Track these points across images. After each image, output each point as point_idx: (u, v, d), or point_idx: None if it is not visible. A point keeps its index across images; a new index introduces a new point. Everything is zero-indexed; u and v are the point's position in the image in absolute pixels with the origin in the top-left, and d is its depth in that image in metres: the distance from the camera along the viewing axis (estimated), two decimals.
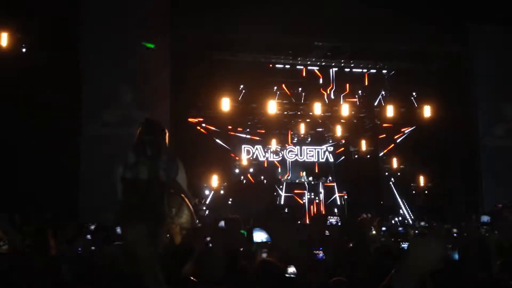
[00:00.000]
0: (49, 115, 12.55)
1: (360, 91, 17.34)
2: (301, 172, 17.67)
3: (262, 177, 17.43)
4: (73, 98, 13.10)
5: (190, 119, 16.02)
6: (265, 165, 17.63)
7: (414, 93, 16.87)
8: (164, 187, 4.35)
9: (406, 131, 17.59)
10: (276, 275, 3.11)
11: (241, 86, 16.00)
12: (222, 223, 6.86)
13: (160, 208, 4.29)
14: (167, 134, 4.56)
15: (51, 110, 12.56)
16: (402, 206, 16.64)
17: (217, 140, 16.68)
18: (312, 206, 17.01)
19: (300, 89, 16.98)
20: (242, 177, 17.35)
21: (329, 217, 12.60)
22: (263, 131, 17.38)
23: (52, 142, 12.73)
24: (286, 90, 16.77)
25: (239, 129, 17.11)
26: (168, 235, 4.46)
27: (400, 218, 15.85)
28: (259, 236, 5.23)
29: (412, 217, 16.04)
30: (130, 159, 4.35)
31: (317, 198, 17.18)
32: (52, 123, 12.73)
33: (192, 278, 3.25)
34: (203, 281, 3.19)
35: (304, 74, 16.89)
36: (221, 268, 3.39)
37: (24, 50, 12.78)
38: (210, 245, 4.23)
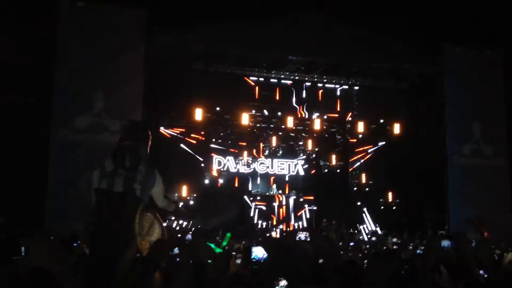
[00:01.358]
0: (19, 118, 12.37)
1: (332, 107, 17.53)
2: (271, 184, 17.71)
3: (233, 188, 17.39)
4: (44, 103, 12.92)
5: (162, 129, 15.92)
6: (236, 177, 17.61)
7: (385, 110, 17.11)
8: (139, 202, 4.23)
9: (376, 147, 17.80)
10: None
11: (215, 98, 16.00)
12: (188, 236, 6.83)
13: (131, 227, 4.18)
14: (150, 139, 4.43)
15: (21, 114, 12.39)
16: (367, 221, 16.77)
17: (189, 150, 16.59)
18: (280, 219, 17.05)
19: (273, 102, 17.07)
20: (212, 188, 17.27)
21: (298, 232, 12.63)
22: (235, 143, 17.37)
23: (21, 147, 12.53)
24: (259, 102, 16.84)
25: (211, 139, 17.07)
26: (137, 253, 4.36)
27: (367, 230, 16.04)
28: (259, 252, 5.14)
29: (380, 232, 16.17)
30: (107, 168, 4.21)
31: (286, 210, 17.22)
32: (22, 127, 12.55)
33: None
34: None
35: (277, 88, 16.99)
36: (189, 281, 3.38)
37: None
38: (177, 259, 4.19)
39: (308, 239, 10.64)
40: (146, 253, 4.38)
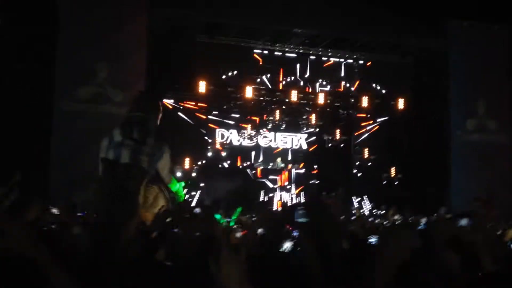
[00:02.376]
0: (22, 88, 12.35)
1: (336, 81, 17.44)
2: (276, 158, 17.70)
3: (235, 161, 17.41)
4: (47, 73, 12.89)
5: (165, 101, 15.87)
6: (239, 150, 17.61)
7: (389, 85, 17.04)
8: (144, 174, 4.22)
9: (379, 122, 17.76)
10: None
11: (219, 70, 15.93)
12: (197, 210, 6.82)
13: (135, 198, 4.18)
14: (160, 111, 4.39)
15: (24, 83, 12.37)
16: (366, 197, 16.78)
17: (192, 123, 16.57)
18: (282, 193, 17.13)
19: (277, 75, 17.00)
20: (215, 161, 17.30)
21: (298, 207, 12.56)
22: (238, 116, 17.34)
23: (23, 116, 12.53)
24: (264, 75, 16.77)
25: (214, 112, 17.03)
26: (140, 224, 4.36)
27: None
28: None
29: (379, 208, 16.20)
30: (115, 138, 4.19)
31: (289, 184, 17.29)
32: (24, 97, 12.53)
33: (167, 263, 3.22)
34: (180, 265, 3.16)
35: (282, 61, 16.91)
36: (197, 252, 3.37)
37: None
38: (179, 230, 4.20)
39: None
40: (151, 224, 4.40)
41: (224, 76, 16.50)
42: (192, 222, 3.48)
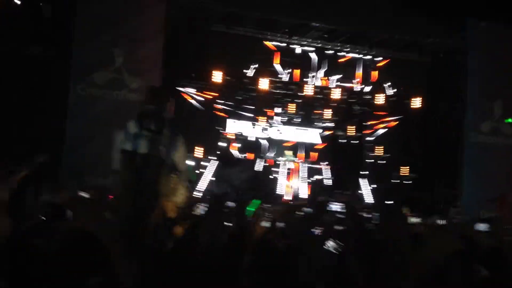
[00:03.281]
0: (39, 71, 12.40)
1: (351, 76, 17.34)
2: (286, 151, 17.66)
3: (248, 153, 17.40)
4: (64, 57, 12.92)
5: (180, 89, 15.87)
6: (251, 141, 17.58)
7: (405, 83, 16.92)
8: (163, 164, 4.25)
9: (394, 120, 17.66)
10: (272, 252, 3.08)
11: (234, 61, 15.88)
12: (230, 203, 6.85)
13: (155, 187, 4.20)
14: (173, 104, 4.46)
15: (41, 66, 12.41)
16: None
17: (206, 112, 16.55)
18: (292, 186, 17.09)
19: (292, 68, 16.92)
20: (227, 152, 17.28)
21: (329, 202, 12.35)
22: (252, 107, 17.30)
23: (39, 99, 12.59)
24: (279, 68, 16.69)
25: (228, 103, 16.99)
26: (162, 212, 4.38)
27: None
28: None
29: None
30: (131, 130, 4.23)
31: (301, 178, 17.24)
32: (40, 80, 12.59)
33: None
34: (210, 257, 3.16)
35: (298, 54, 16.82)
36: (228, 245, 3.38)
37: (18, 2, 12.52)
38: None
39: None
40: (173, 215, 4.42)
41: (239, 67, 16.41)
42: (226, 215, 3.49)
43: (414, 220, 10.67)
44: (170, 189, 4.36)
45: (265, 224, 4.27)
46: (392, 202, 15.12)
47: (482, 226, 6.70)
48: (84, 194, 5.90)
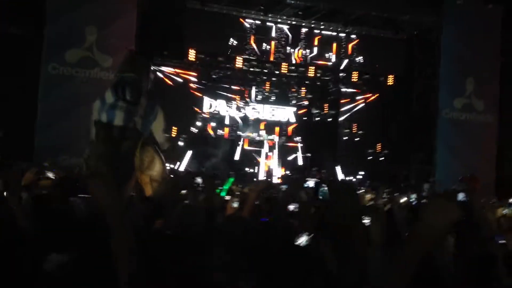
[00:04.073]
0: (9, 49, 12.14)
1: (327, 54, 17.31)
2: (260, 130, 17.64)
3: (223, 132, 17.35)
4: (37, 36, 12.65)
5: (154, 67, 15.65)
6: (226, 120, 17.51)
7: (381, 61, 16.97)
8: (139, 136, 4.15)
9: (369, 98, 17.75)
10: (242, 229, 3.05)
11: (209, 38, 15.68)
12: (199, 180, 6.79)
13: (131, 160, 4.11)
14: (150, 72, 4.33)
15: (12, 45, 12.15)
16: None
17: (180, 91, 16.38)
18: (268, 165, 17.13)
19: (268, 46, 16.81)
20: (202, 130, 17.20)
21: (307, 179, 12.43)
22: (227, 86, 17.20)
23: (10, 78, 12.35)
24: (254, 46, 16.57)
25: (203, 81, 16.85)
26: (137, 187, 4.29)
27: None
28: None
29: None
30: (108, 99, 4.10)
31: (274, 156, 17.27)
32: (12, 59, 12.33)
33: (166, 232, 3.18)
34: (178, 235, 3.12)
35: (273, 32, 16.72)
36: (199, 224, 3.33)
37: None
38: (186, 201, 4.13)
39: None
40: (149, 190, 4.33)
41: (213, 45, 16.22)
42: (196, 193, 3.44)
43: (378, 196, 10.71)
44: (147, 163, 4.28)
45: (236, 201, 4.24)
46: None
47: (460, 196, 6.83)
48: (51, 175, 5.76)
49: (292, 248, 2.85)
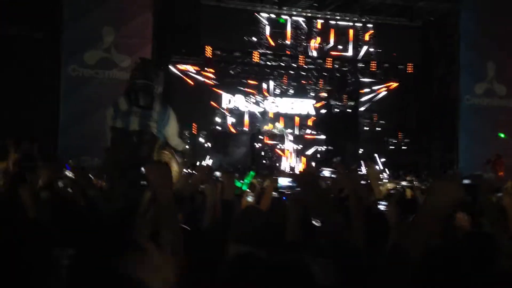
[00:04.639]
0: (29, 53, 12.35)
1: (343, 45, 17.22)
2: (278, 123, 17.62)
3: (242, 127, 17.38)
4: (53, 38, 12.85)
5: (171, 66, 15.78)
6: (246, 115, 17.54)
7: (398, 49, 16.81)
8: (155, 140, 4.21)
9: (388, 87, 17.61)
10: (259, 221, 3.08)
11: (225, 34, 15.72)
12: (217, 173, 6.84)
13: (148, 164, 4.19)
14: (162, 78, 4.41)
15: (32, 48, 12.36)
16: (378, 161, 16.80)
17: (198, 88, 16.47)
18: (289, 158, 17.13)
19: (284, 40, 16.79)
20: (221, 126, 17.26)
21: (321, 168, 12.41)
22: (245, 81, 17.23)
23: (31, 81, 12.58)
24: (270, 40, 16.57)
25: (221, 77, 16.89)
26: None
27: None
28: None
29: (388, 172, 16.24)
30: (121, 106, 4.17)
31: (295, 149, 17.26)
32: (32, 61, 12.55)
33: (184, 226, 3.24)
34: (196, 230, 3.17)
35: (289, 25, 16.70)
36: (215, 218, 3.37)
37: None
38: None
39: (333, 176, 10.27)
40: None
41: (230, 41, 16.26)
42: (215, 188, 3.48)
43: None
44: None
45: (251, 195, 4.28)
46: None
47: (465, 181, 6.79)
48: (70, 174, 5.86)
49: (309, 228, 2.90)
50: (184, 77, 16.12)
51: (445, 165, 15.67)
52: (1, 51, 12.32)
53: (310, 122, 17.98)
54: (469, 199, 4.18)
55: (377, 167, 16.07)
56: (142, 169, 4.19)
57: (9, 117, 11.84)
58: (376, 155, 16.67)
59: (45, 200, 4.20)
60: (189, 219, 3.48)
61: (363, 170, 16.00)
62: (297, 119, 17.84)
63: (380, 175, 11.39)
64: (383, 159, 16.55)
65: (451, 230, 3.13)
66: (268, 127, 17.45)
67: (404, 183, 10.75)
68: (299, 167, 16.60)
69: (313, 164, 16.42)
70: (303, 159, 17.08)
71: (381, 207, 4.12)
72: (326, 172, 11.70)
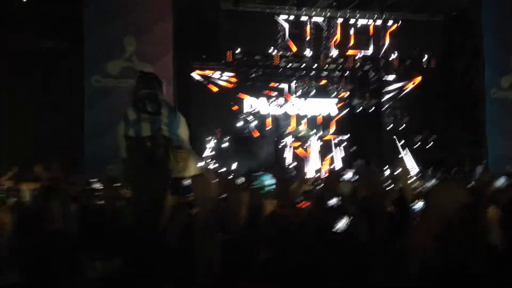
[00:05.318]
0: (53, 65, 12.58)
1: (364, 43, 17.11)
2: (302, 125, 17.56)
3: (265, 130, 17.37)
4: (77, 49, 13.05)
5: (193, 71, 15.88)
6: (268, 118, 17.52)
7: (420, 45, 16.65)
8: (169, 142, 4.29)
9: (411, 83, 17.43)
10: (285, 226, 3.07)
11: (245, 38, 15.75)
12: (242, 179, 6.85)
13: (166, 165, 4.25)
14: (164, 86, 4.49)
15: (55, 60, 12.59)
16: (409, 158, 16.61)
17: (220, 92, 16.53)
18: (314, 159, 17.06)
19: (304, 41, 16.75)
20: (245, 130, 17.28)
21: (343, 171, 12.36)
22: (267, 84, 17.22)
23: (55, 93, 12.81)
24: (290, 41, 16.54)
25: (242, 81, 16.92)
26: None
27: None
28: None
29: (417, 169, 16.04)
30: (130, 116, 4.27)
31: (320, 151, 17.19)
32: (56, 73, 12.79)
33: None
34: (222, 233, 3.17)
35: (309, 25, 16.66)
36: (240, 222, 3.38)
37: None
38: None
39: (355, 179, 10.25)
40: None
41: (250, 44, 16.29)
42: (241, 194, 3.48)
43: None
44: (183, 165, 4.39)
45: (274, 200, 4.27)
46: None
47: (500, 181, 6.63)
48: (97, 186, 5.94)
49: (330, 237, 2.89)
50: (206, 82, 16.19)
51: (473, 161, 15.42)
52: (26, 64, 12.58)
53: (333, 123, 17.88)
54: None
55: (408, 164, 15.94)
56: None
57: (36, 129, 12.08)
58: (405, 152, 16.52)
59: (75, 212, 4.27)
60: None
61: (390, 169, 15.93)
62: (320, 120, 17.75)
63: (410, 174, 11.27)
64: (409, 158, 16.37)
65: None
66: (291, 129, 17.40)
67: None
68: (323, 169, 16.52)
69: (337, 166, 16.36)
70: (327, 160, 16.99)
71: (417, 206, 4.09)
72: (349, 174, 11.60)
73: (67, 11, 13.00)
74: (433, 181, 10.16)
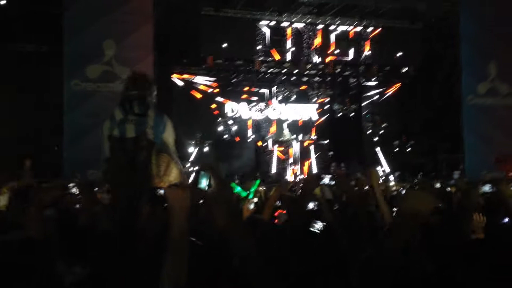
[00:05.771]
0: (32, 68, 12.49)
1: (345, 49, 17.24)
2: (285, 129, 17.62)
3: (246, 135, 17.40)
4: (56, 53, 12.96)
5: (174, 76, 15.85)
6: (249, 123, 17.55)
7: (399, 52, 16.83)
8: (153, 145, 4.27)
9: (390, 89, 17.62)
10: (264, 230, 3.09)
11: (226, 43, 15.76)
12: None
13: (148, 168, 4.23)
14: (154, 88, 4.46)
15: (34, 64, 12.49)
16: (384, 164, 16.80)
17: (201, 97, 16.52)
18: (294, 163, 17.12)
19: (285, 46, 16.83)
20: (225, 135, 17.28)
21: (322, 175, 12.47)
22: (247, 89, 17.26)
23: (35, 96, 12.71)
24: (271, 47, 16.60)
25: (223, 86, 16.93)
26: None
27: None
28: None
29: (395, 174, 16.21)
30: (117, 116, 4.24)
31: (299, 155, 17.25)
32: (36, 77, 12.69)
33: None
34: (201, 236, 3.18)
35: (289, 32, 16.74)
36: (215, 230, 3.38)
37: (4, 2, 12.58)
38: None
39: (333, 183, 10.35)
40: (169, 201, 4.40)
41: (231, 49, 16.29)
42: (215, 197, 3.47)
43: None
44: (164, 168, 4.38)
45: (253, 203, 4.29)
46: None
47: (486, 188, 6.77)
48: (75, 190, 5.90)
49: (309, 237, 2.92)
50: (187, 87, 16.17)
51: (451, 166, 15.62)
52: (5, 67, 12.47)
53: (313, 128, 17.97)
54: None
55: (379, 170, 16.10)
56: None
57: (15, 132, 11.98)
58: (381, 157, 16.70)
59: (50, 218, 4.23)
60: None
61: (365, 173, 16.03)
62: (300, 125, 17.83)
63: (380, 178, 11.41)
64: (387, 162, 16.56)
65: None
66: (272, 134, 17.45)
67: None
68: (302, 174, 16.58)
69: (315, 170, 16.44)
70: (306, 165, 17.05)
71: None
72: (326, 179, 11.71)
73: (47, 14, 12.89)
74: (408, 185, 10.29)
